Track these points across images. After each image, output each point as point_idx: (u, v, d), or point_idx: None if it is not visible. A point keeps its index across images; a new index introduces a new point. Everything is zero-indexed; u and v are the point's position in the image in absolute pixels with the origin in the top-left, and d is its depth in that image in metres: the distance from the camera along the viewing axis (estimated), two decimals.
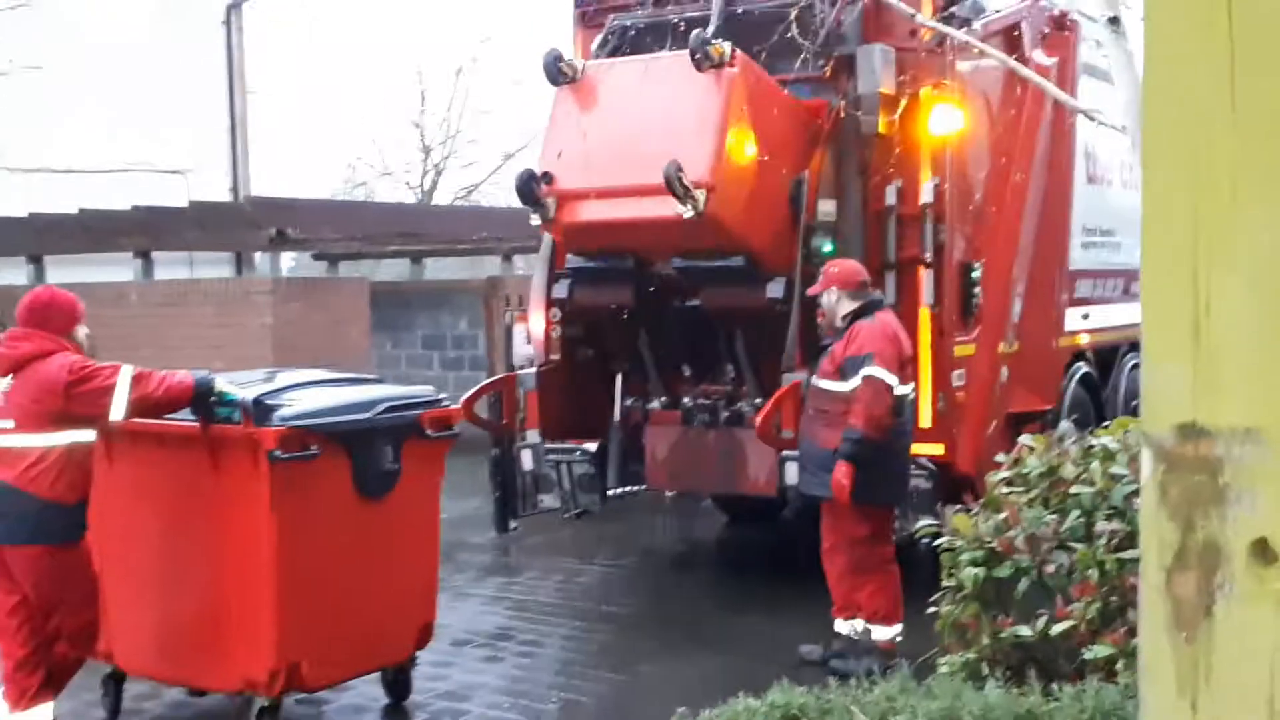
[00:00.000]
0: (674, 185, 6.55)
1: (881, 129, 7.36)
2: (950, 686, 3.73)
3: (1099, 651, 3.79)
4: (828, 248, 7.36)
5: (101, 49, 15.99)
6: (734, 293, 7.37)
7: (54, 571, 5.01)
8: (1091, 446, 4.59)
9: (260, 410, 5.13)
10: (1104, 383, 9.41)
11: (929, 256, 7.35)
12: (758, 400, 7.50)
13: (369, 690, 5.97)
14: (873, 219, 7.53)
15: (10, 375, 5.01)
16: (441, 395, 6.08)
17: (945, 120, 7.35)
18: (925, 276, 7.36)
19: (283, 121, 24.81)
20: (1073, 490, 4.37)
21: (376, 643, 5.69)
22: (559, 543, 9.50)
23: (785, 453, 7.12)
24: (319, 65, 29.65)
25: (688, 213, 6.67)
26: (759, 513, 9.35)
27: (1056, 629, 4.00)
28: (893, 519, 6.56)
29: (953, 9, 7.38)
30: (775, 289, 7.22)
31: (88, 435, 5.07)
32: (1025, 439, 4.90)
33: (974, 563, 4.32)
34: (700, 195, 6.65)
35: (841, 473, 6.06)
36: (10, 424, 4.96)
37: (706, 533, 10.17)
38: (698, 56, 6.85)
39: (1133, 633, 3.61)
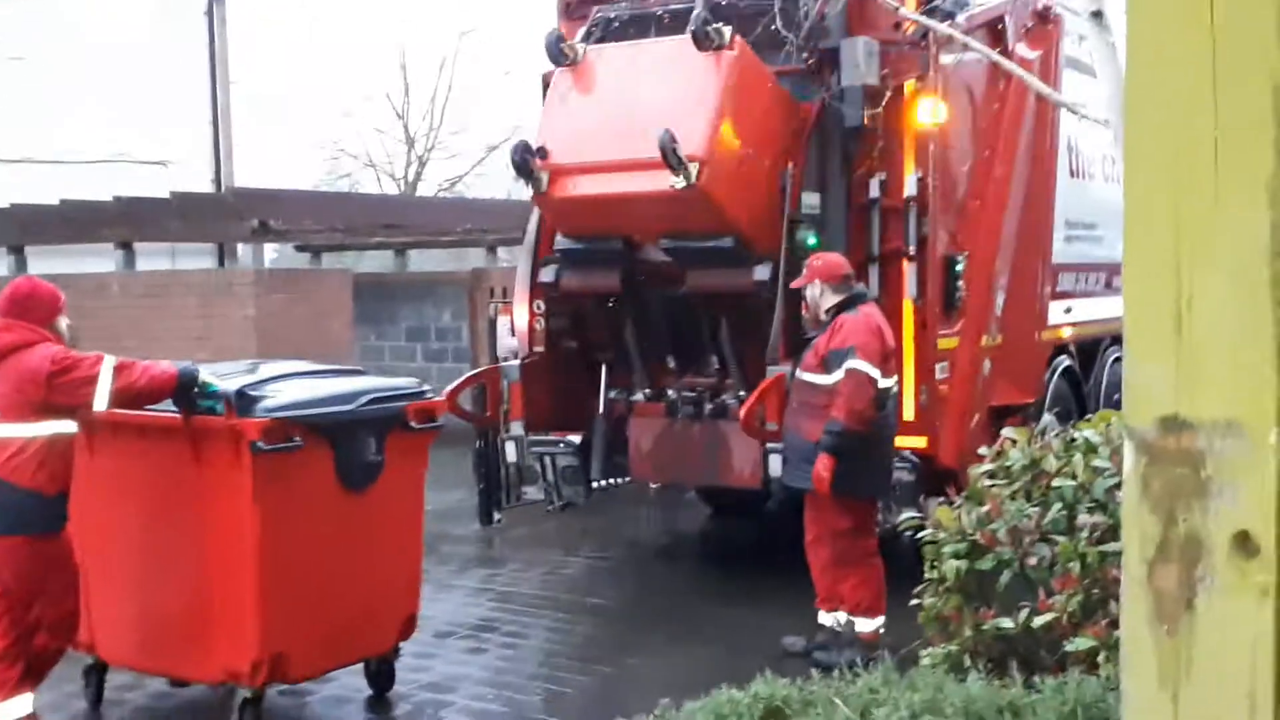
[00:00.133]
0: (668, 154, 6.61)
1: (865, 122, 7.37)
2: (932, 678, 3.74)
3: (1080, 644, 3.80)
4: (811, 240, 7.37)
5: (84, 40, 15.89)
6: (721, 275, 7.38)
7: (34, 562, 4.99)
8: (1074, 439, 4.61)
9: (243, 401, 5.12)
10: (1086, 376, 9.45)
11: (912, 250, 7.37)
12: (742, 392, 7.51)
13: (352, 681, 5.97)
14: (856, 212, 7.55)
15: None
16: (425, 387, 6.07)
17: (929, 113, 7.36)
18: (908, 269, 7.38)
19: (266, 112, 24.70)
20: (1055, 483, 4.39)
21: (360, 634, 5.69)
22: (543, 535, 9.51)
23: (769, 445, 7.13)
24: (302, 56, 29.51)
25: (679, 183, 6.73)
26: (743, 505, 9.37)
27: (1038, 621, 4.01)
28: (875, 511, 6.58)
29: (936, 3, 7.38)
30: (762, 272, 7.24)
31: (69, 426, 5.05)
32: (1008, 432, 4.92)
33: (956, 555, 4.34)
34: (693, 168, 6.71)
35: (822, 465, 6.08)
36: None
37: (690, 525, 10.19)
38: (700, 36, 6.92)
39: (1114, 625, 3.63)
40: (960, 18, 7.51)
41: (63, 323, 5.22)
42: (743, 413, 7.06)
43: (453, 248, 19.23)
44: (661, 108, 6.92)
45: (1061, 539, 4.15)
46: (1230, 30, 1.42)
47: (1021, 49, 8.12)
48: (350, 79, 29.79)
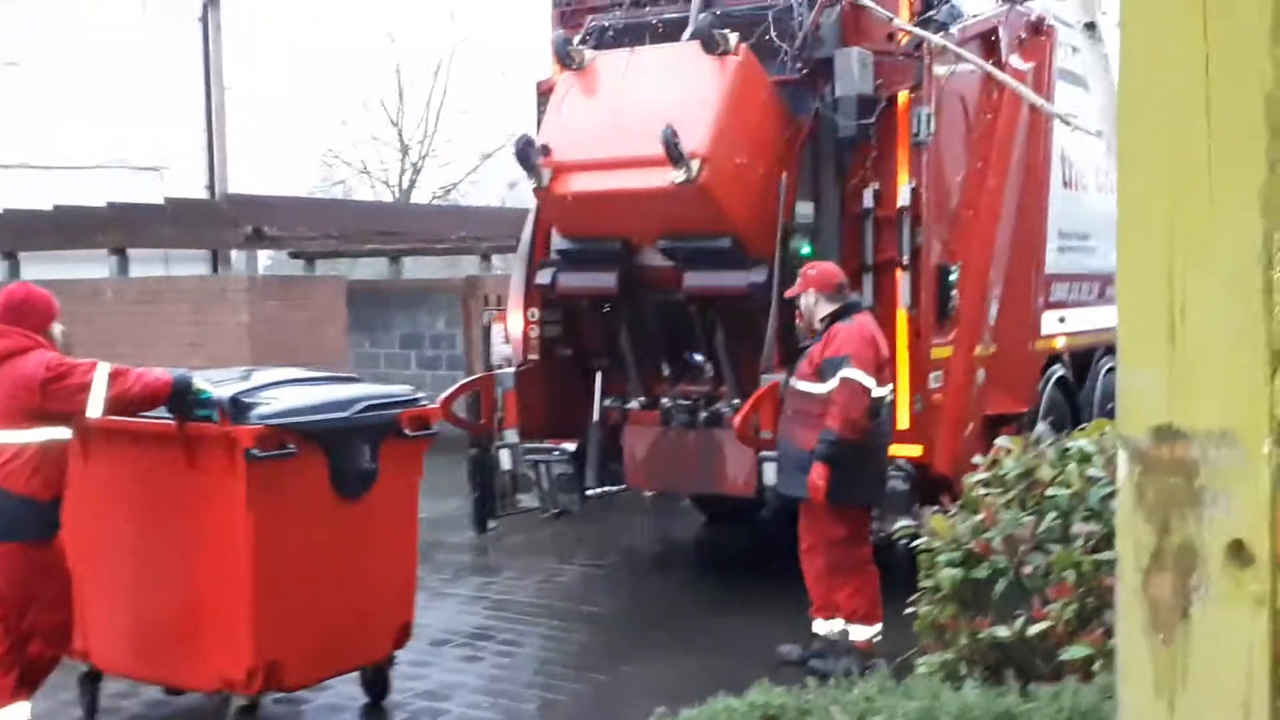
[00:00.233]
0: (670, 147, 6.69)
1: (858, 132, 7.39)
2: (928, 687, 3.74)
3: (1076, 652, 3.81)
4: (805, 250, 7.39)
5: (79, 45, 15.89)
6: (718, 277, 7.41)
7: (28, 568, 4.99)
8: (1068, 448, 4.61)
9: (237, 409, 5.12)
10: (1080, 385, 9.46)
11: (906, 259, 7.38)
12: (736, 401, 7.52)
13: (347, 689, 5.96)
14: (850, 221, 7.57)
15: None
16: (419, 394, 6.07)
17: (922, 124, 7.38)
18: (902, 279, 7.39)
19: (260, 119, 24.71)
20: (1049, 492, 4.39)
21: (355, 642, 5.68)
22: (538, 543, 9.50)
23: (764, 453, 7.14)
24: (297, 63, 29.53)
25: (679, 177, 6.80)
26: (738, 513, 9.37)
27: (1034, 630, 4.01)
28: (870, 520, 6.59)
29: (930, 13, 7.41)
30: (758, 275, 7.27)
31: (63, 432, 5.05)
32: (1002, 441, 4.92)
33: (951, 564, 4.34)
34: (694, 164, 6.80)
35: (817, 473, 6.09)
36: None
37: (685, 533, 10.19)
38: (708, 39, 7.03)
39: (1110, 633, 3.63)
40: (954, 29, 7.53)
41: (57, 329, 5.21)
42: (737, 421, 7.07)
43: (447, 255, 19.23)
44: (665, 108, 6.98)
45: (1056, 547, 4.15)
46: (1222, 40, 1.43)
47: (1015, 60, 8.15)
48: (345, 86, 29.78)
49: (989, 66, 6.40)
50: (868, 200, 7.49)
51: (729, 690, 3.97)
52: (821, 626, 6.39)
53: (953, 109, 7.73)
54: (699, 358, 7.96)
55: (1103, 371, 9.65)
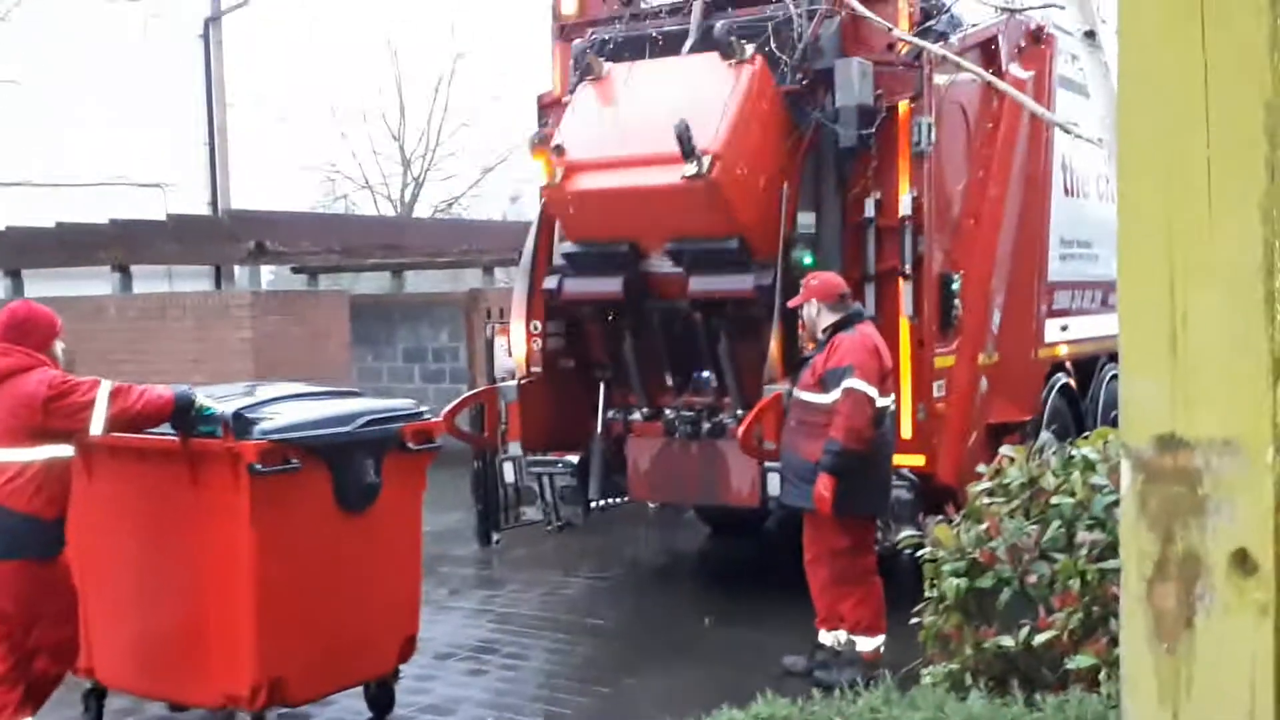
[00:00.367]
0: (683, 140, 6.80)
1: (859, 142, 7.40)
2: (933, 697, 3.74)
3: (1081, 661, 3.80)
4: (807, 260, 7.39)
5: (80, 63, 15.94)
6: (724, 280, 7.44)
7: (33, 586, 4.98)
8: (1072, 457, 4.61)
9: (240, 424, 5.12)
10: (1083, 394, 9.46)
11: (908, 268, 7.39)
12: (740, 411, 7.52)
13: (352, 704, 5.95)
14: (852, 231, 7.57)
15: None
16: (423, 408, 6.07)
17: (923, 133, 7.39)
18: (905, 288, 7.39)
19: (262, 134, 24.75)
20: (1053, 501, 4.39)
21: (359, 656, 5.67)
22: (542, 555, 9.49)
23: (767, 464, 7.13)
24: (298, 78, 29.59)
25: (691, 170, 6.89)
26: (742, 524, 9.36)
27: (1039, 639, 4.01)
28: (874, 530, 6.58)
29: (930, 23, 7.42)
30: (765, 278, 7.29)
31: (66, 450, 5.05)
32: (1006, 449, 4.92)
33: (956, 573, 4.33)
34: (706, 159, 6.91)
35: (823, 485, 6.08)
36: None
37: (689, 544, 10.17)
38: (725, 47, 7.21)
39: (1115, 642, 3.63)
40: (954, 38, 7.54)
41: (58, 347, 5.22)
42: (741, 432, 7.06)
43: (449, 268, 19.22)
44: (679, 111, 7.06)
45: (1061, 556, 4.15)
46: (1221, 48, 1.43)
47: (1015, 69, 8.16)
48: (347, 102, 29.82)
49: (989, 75, 6.41)
50: (869, 210, 7.50)
51: (733, 702, 3.97)
52: (826, 637, 6.38)
53: (953, 118, 7.74)
54: (706, 374, 7.97)
55: (1106, 379, 9.64)
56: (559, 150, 7.47)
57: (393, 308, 16.28)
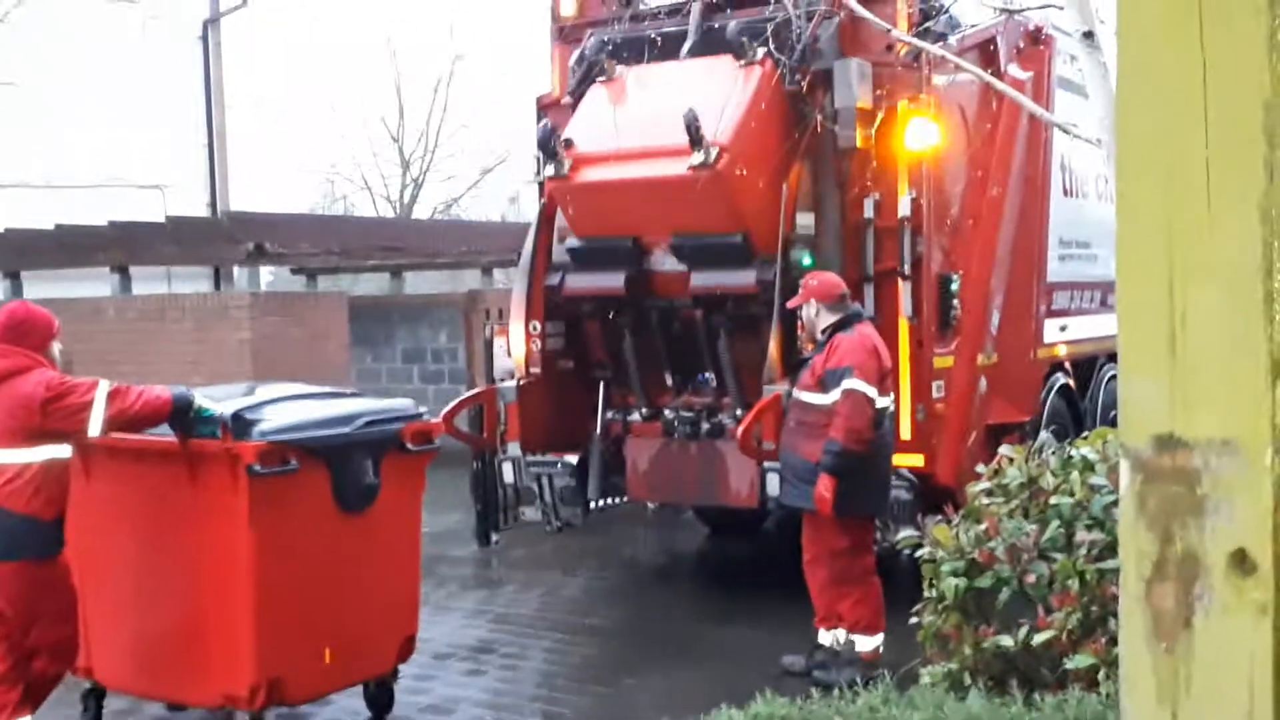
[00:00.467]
0: (691, 129, 6.87)
1: (858, 143, 7.41)
2: (932, 696, 3.74)
3: (1080, 661, 3.80)
4: (806, 260, 7.40)
5: (79, 65, 15.94)
6: (726, 276, 7.45)
7: (31, 587, 4.98)
8: (1070, 457, 4.62)
9: (239, 425, 5.11)
10: (1082, 394, 9.46)
11: (907, 269, 7.39)
12: (739, 412, 7.52)
13: (351, 704, 5.95)
14: (851, 232, 7.58)
15: None
16: (421, 409, 6.06)
17: (922, 134, 7.39)
18: (904, 289, 7.40)
19: (261, 136, 24.76)
20: (1052, 501, 4.39)
21: (358, 656, 5.67)
22: (541, 555, 9.49)
23: (766, 464, 7.14)
24: (298, 80, 29.59)
25: (698, 158, 6.95)
26: (741, 524, 9.36)
27: (1038, 639, 4.01)
28: (874, 530, 6.58)
29: (929, 24, 7.42)
30: (767, 273, 7.32)
31: (65, 451, 5.05)
32: (1005, 450, 4.92)
33: (955, 573, 4.34)
34: (713, 150, 6.99)
35: (824, 486, 6.08)
36: None
37: (688, 544, 10.17)
38: (737, 47, 7.35)
39: (1113, 642, 3.63)
40: (953, 39, 7.54)
41: (56, 348, 5.21)
42: (740, 432, 7.07)
43: (448, 269, 19.24)
44: (689, 105, 7.08)
45: (1059, 556, 4.15)
46: (1220, 48, 1.43)
47: (1014, 70, 8.16)
48: (346, 103, 29.84)
49: (988, 76, 6.41)
50: (868, 211, 7.50)
51: (733, 702, 3.97)
52: (825, 637, 6.38)
53: (952, 119, 7.74)
54: (707, 376, 7.98)
55: (1105, 379, 9.64)
56: (568, 144, 7.55)
57: (392, 309, 16.28)
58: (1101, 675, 3.74)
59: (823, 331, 6.39)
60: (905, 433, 7.22)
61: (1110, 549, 3.94)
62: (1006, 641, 4.11)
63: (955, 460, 7.43)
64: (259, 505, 5.08)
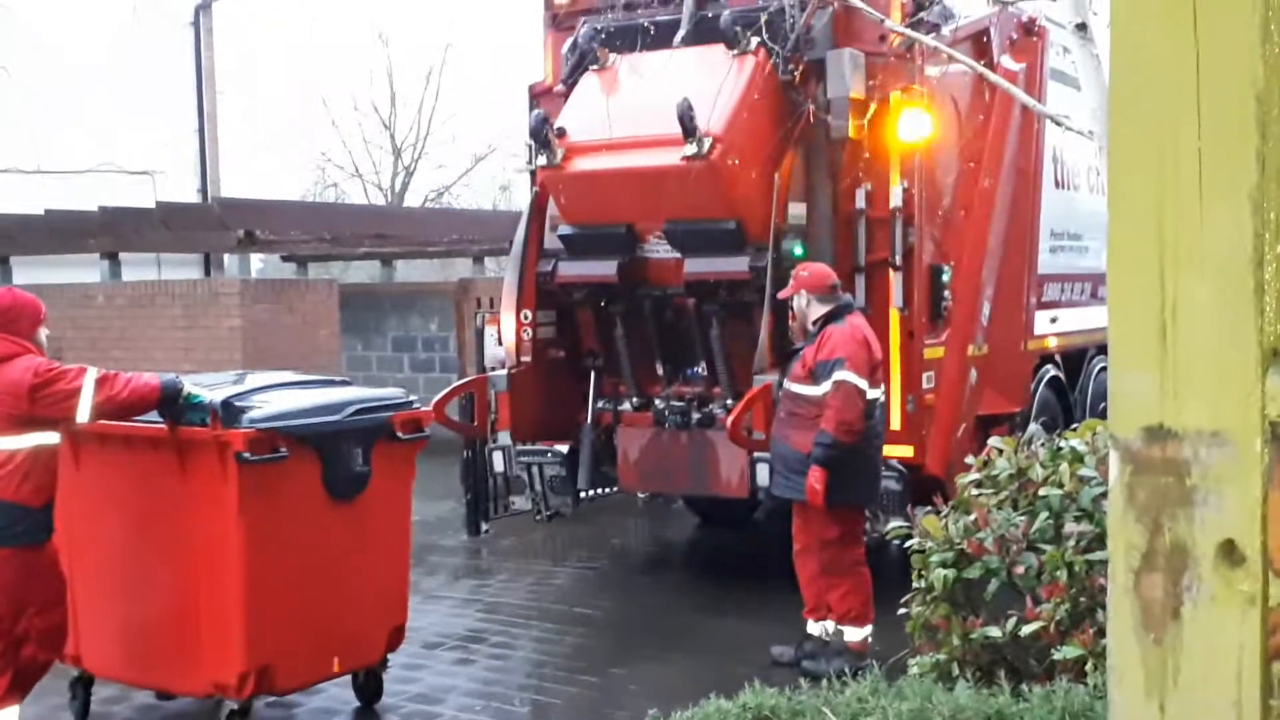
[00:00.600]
0: (685, 120, 6.89)
1: (851, 133, 7.41)
2: (921, 687, 3.74)
3: (1068, 652, 3.81)
4: (797, 251, 7.40)
5: (69, 50, 15.87)
6: (719, 262, 7.45)
7: (20, 573, 4.97)
8: (1060, 449, 4.62)
9: (228, 412, 5.10)
10: (1072, 385, 9.48)
11: (898, 260, 7.40)
12: (729, 401, 7.52)
13: (340, 693, 5.95)
14: (842, 222, 7.58)
15: None
16: (412, 397, 6.06)
17: (914, 125, 7.39)
18: (894, 280, 7.40)
19: (252, 122, 24.68)
20: (1041, 492, 4.40)
21: (347, 645, 5.67)
22: (531, 545, 9.49)
23: (757, 454, 7.14)
24: (289, 66, 29.49)
25: (691, 149, 6.97)
26: (731, 514, 9.37)
27: (1026, 630, 4.02)
28: (863, 521, 6.59)
29: (922, 14, 7.42)
30: (760, 260, 7.34)
31: (53, 438, 5.03)
32: (994, 441, 4.92)
33: (944, 564, 4.34)
34: (706, 140, 6.99)
35: (815, 477, 6.09)
36: None
37: (678, 534, 10.18)
38: (730, 37, 7.35)
39: (1102, 633, 3.64)
40: (946, 30, 7.54)
41: (43, 334, 5.20)
42: (730, 422, 7.07)
43: (439, 258, 19.22)
44: (681, 95, 7.09)
45: (1048, 547, 4.16)
46: (1212, 40, 1.43)
47: (1006, 61, 8.16)
48: (337, 90, 29.74)
49: (980, 67, 6.41)
50: (860, 201, 7.50)
51: (722, 692, 3.97)
52: (814, 627, 6.39)
53: (945, 110, 7.74)
54: (698, 369, 7.98)
55: (1095, 371, 9.67)
56: (561, 132, 7.53)
57: (382, 297, 16.25)
58: (1089, 666, 3.75)
59: (814, 323, 6.39)
60: (895, 423, 7.23)
61: (1099, 540, 3.95)
62: (995, 632, 4.12)
63: (945, 451, 7.44)
64: (248, 493, 5.07)
